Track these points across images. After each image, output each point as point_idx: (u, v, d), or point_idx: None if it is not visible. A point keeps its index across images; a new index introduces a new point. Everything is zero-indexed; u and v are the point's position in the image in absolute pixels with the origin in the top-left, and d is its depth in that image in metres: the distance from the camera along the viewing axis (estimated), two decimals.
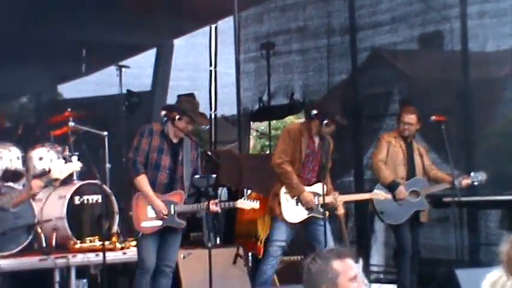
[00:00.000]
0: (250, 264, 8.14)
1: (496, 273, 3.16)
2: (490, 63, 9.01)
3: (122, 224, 8.10)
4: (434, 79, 9.29)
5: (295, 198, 7.16)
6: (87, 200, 8.11)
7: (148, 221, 6.59)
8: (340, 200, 7.23)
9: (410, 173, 7.90)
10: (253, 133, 13.18)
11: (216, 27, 11.96)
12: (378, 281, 9.24)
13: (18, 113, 12.54)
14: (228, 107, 11.95)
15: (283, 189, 7.17)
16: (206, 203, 6.71)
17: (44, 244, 7.72)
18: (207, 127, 11.54)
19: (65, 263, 7.26)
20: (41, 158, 8.19)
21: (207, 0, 10.32)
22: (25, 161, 8.12)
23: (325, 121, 7.07)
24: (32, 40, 9.86)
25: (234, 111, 11.76)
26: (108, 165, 8.70)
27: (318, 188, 7.14)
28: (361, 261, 6.38)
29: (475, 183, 7.79)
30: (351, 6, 10.18)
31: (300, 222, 7.21)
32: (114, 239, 7.80)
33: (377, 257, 9.67)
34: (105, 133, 8.79)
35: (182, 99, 6.79)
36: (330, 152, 7.33)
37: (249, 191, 8.77)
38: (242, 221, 8.60)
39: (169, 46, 11.93)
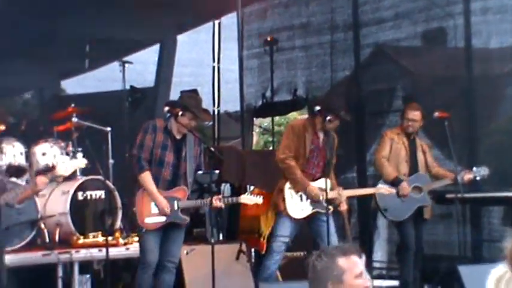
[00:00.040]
0: (253, 260, 8.15)
1: (501, 269, 3.15)
2: (494, 59, 8.99)
3: (125, 219, 8.11)
4: (438, 75, 9.29)
5: (300, 193, 7.15)
6: (90, 195, 8.12)
7: (152, 217, 6.60)
8: (344, 195, 7.23)
9: (413, 169, 7.90)
10: (256, 129, 13.17)
11: (219, 23, 11.96)
12: (380, 277, 9.24)
13: (22, 109, 12.55)
14: (231, 103, 11.95)
15: (287, 185, 7.17)
16: (209, 198, 6.72)
17: (47, 239, 7.73)
18: (210, 123, 11.55)
19: (68, 258, 7.27)
20: (44, 154, 8.20)
21: None
22: (28, 156, 8.13)
23: (329, 117, 7.07)
24: (35, 36, 9.86)
25: (237, 107, 11.75)
26: (111, 161, 8.71)
27: (322, 183, 7.14)
28: (363, 257, 6.37)
29: (477, 178, 7.79)
30: (354, 2, 10.17)
31: (304, 218, 7.21)
32: (117, 234, 7.81)
33: (380, 253, 9.68)
34: (108, 129, 8.79)
35: (185, 95, 6.80)
36: (335, 148, 7.33)
37: (252, 187, 8.78)
38: (245, 217, 8.61)
39: (172, 42, 11.93)
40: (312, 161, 7.21)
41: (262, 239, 8.25)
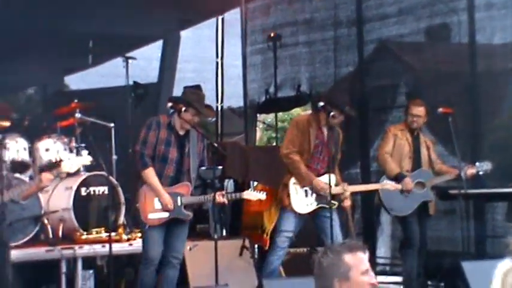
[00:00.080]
0: (256, 256, 8.15)
1: (507, 263, 3.15)
2: (498, 55, 8.97)
3: (128, 215, 8.11)
4: (441, 71, 9.27)
5: (305, 189, 7.15)
6: (94, 191, 8.12)
7: (155, 212, 6.60)
8: (349, 190, 7.23)
9: (416, 165, 7.88)
10: (260, 125, 13.17)
11: (222, 19, 11.95)
12: (383, 273, 9.24)
13: (25, 104, 12.57)
14: (234, 99, 11.95)
15: (292, 180, 7.16)
16: (212, 194, 6.72)
17: (51, 235, 7.74)
18: (214, 119, 11.54)
19: (71, 254, 7.28)
20: (47, 149, 8.21)
21: None
22: (31, 152, 8.13)
23: (332, 113, 7.07)
24: (38, 32, 9.86)
25: (241, 103, 11.76)
26: (114, 157, 8.70)
27: (326, 178, 7.13)
28: (367, 253, 6.37)
29: (480, 173, 7.77)
30: None
31: (309, 214, 7.20)
32: (120, 230, 7.82)
33: (383, 249, 9.68)
34: (112, 124, 8.79)
35: (187, 91, 6.79)
36: (340, 143, 7.32)
37: (255, 183, 8.78)
38: (248, 213, 8.61)
39: (176, 38, 11.93)
40: (316, 156, 7.21)
41: (265, 235, 8.26)
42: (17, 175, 7.53)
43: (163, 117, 6.79)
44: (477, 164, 7.78)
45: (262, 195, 6.89)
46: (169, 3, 9.94)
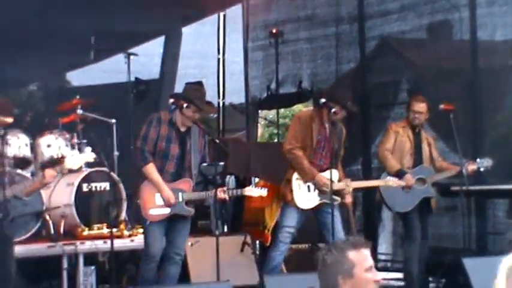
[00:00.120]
0: (257, 252, 8.16)
1: None
2: (499, 52, 8.97)
3: (130, 211, 8.12)
4: (443, 68, 9.26)
5: (307, 184, 7.14)
6: (95, 187, 8.13)
7: (156, 208, 6.61)
8: (352, 186, 7.22)
9: (418, 162, 7.87)
10: (261, 121, 13.17)
11: (224, 15, 11.95)
12: (385, 269, 9.25)
13: (27, 100, 12.57)
14: (236, 95, 11.95)
15: (295, 175, 7.16)
16: (214, 190, 6.73)
17: (52, 231, 7.75)
18: (215, 115, 11.55)
19: (73, 250, 7.29)
20: (49, 145, 8.22)
21: None
22: (33, 148, 8.14)
23: (334, 109, 7.07)
24: (40, 28, 9.86)
25: (242, 100, 11.76)
26: (116, 153, 8.72)
27: (329, 174, 7.13)
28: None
29: (481, 169, 7.77)
30: None
31: (311, 209, 7.20)
32: (121, 226, 7.83)
33: (384, 246, 9.69)
34: (113, 121, 8.81)
35: (188, 88, 6.79)
36: (343, 139, 7.32)
37: (256, 179, 8.78)
38: (250, 209, 8.62)
39: (177, 34, 11.92)
40: (319, 152, 7.20)
41: (266, 231, 8.27)
42: (19, 171, 7.54)
43: (164, 114, 6.79)
44: (478, 160, 7.78)
45: (264, 192, 6.90)
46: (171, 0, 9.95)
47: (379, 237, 9.67)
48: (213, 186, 6.89)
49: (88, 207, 8.06)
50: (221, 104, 11.82)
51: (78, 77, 12.01)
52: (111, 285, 7.23)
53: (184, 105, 6.59)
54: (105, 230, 7.67)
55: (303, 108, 12.32)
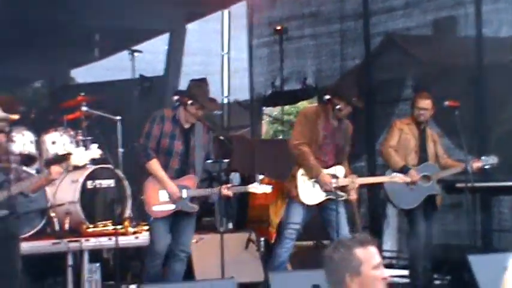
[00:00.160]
0: (262, 249, 8.16)
1: None
2: (504, 48, 8.94)
3: (135, 208, 8.12)
4: (448, 64, 9.24)
5: (312, 180, 7.13)
6: (100, 184, 8.14)
7: (160, 205, 6.60)
8: (357, 182, 7.21)
9: (422, 160, 7.85)
10: (266, 118, 13.17)
11: (229, 12, 11.95)
12: (390, 266, 9.23)
13: (32, 98, 12.58)
14: (240, 92, 11.95)
15: (300, 171, 7.14)
16: (218, 187, 6.72)
17: (57, 228, 7.75)
18: (220, 112, 11.55)
19: (77, 246, 7.30)
20: (53, 142, 8.23)
21: None
22: (38, 145, 8.15)
23: (338, 106, 7.05)
24: (45, 25, 9.87)
25: (247, 96, 11.76)
26: (120, 150, 8.73)
27: (334, 170, 7.12)
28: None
29: (486, 167, 7.75)
30: None
31: (316, 205, 7.18)
32: (126, 223, 7.83)
33: (389, 243, 9.67)
34: (118, 118, 8.81)
35: (192, 85, 6.79)
36: (349, 135, 7.31)
37: (261, 176, 8.78)
38: (254, 206, 8.62)
39: (182, 31, 11.93)
40: (324, 148, 7.19)
41: (271, 228, 8.27)
42: (24, 168, 7.54)
43: (167, 111, 6.79)
44: (483, 158, 7.76)
45: (268, 188, 6.89)
46: None
47: (384, 234, 9.65)
48: (217, 183, 6.89)
49: (93, 204, 8.07)
50: (226, 101, 11.82)
51: (82, 74, 12.03)
52: (116, 282, 7.24)
53: (189, 102, 6.59)
54: (110, 227, 7.68)
55: (307, 105, 12.32)
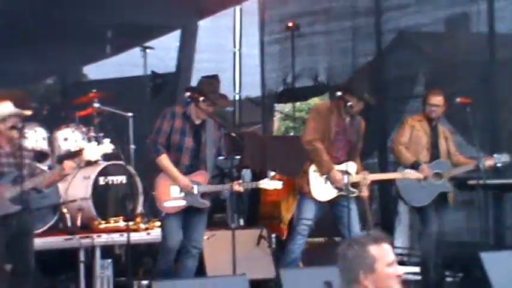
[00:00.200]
0: (273, 245, 8.16)
1: None
2: None
3: (146, 204, 8.14)
4: (460, 61, 9.21)
5: (324, 176, 7.12)
6: (112, 180, 8.16)
7: (171, 200, 6.62)
8: (369, 178, 7.20)
9: (434, 157, 7.82)
10: (277, 115, 13.16)
11: (240, 9, 11.94)
12: (401, 263, 9.17)
13: (44, 94, 12.60)
14: (252, 89, 11.95)
15: (312, 167, 7.14)
16: (229, 183, 6.73)
17: (69, 224, 7.78)
18: (231, 109, 11.55)
19: (89, 242, 7.31)
20: (65, 139, 8.24)
21: None
22: (50, 141, 8.17)
23: (349, 103, 7.04)
24: (57, 22, 9.89)
25: (258, 93, 11.76)
26: (132, 146, 8.74)
27: (346, 166, 7.11)
28: None
29: (498, 165, 7.72)
30: None
31: (328, 202, 7.18)
32: (138, 219, 7.85)
33: (401, 240, 9.65)
34: (130, 114, 8.82)
35: (202, 81, 6.80)
36: (361, 132, 7.30)
37: (272, 173, 8.78)
38: (266, 203, 8.62)
39: (193, 27, 11.92)
40: (336, 144, 7.18)
41: (282, 225, 8.27)
42: (37, 164, 7.57)
43: (178, 108, 6.80)
44: (495, 155, 7.73)
45: (279, 185, 6.89)
46: None
47: (396, 231, 9.63)
48: (229, 180, 6.89)
49: (105, 200, 8.09)
50: (237, 98, 11.82)
51: (94, 71, 12.04)
52: (128, 278, 7.26)
53: (201, 99, 6.59)
54: (122, 223, 7.69)
55: (319, 102, 12.31)
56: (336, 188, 7.10)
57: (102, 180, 8.08)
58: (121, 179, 8.17)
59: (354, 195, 7.10)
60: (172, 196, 6.62)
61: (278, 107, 12.61)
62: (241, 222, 8.74)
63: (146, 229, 7.78)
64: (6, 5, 9.01)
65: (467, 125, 7.60)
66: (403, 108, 9.83)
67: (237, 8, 11.89)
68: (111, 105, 8.76)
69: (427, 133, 7.81)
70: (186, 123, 6.68)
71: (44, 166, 7.72)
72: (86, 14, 9.84)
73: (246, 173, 9.12)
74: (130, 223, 7.43)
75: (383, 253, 3.36)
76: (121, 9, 9.89)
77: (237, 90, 11.90)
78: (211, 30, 12.03)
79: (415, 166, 7.61)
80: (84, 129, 8.40)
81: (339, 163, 7.14)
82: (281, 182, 6.93)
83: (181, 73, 11.81)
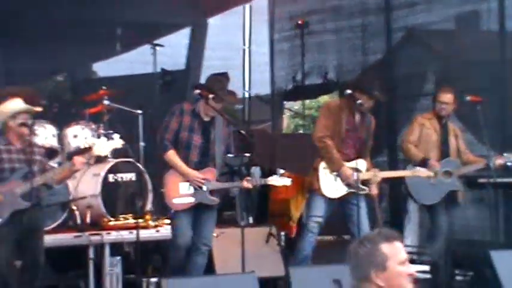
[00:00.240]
0: (283, 243, 8.15)
1: None
2: None
3: (156, 202, 8.14)
4: (470, 59, 9.19)
5: (334, 173, 7.11)
6: (121, 178, 8.15)
7: (180, 197, 6.62)
8: (380, 176, 7.18)
9: (444, 155, 7.80)
10: (287, 112, 13.16)
11: (250, 6, 11.94)
12: (411, 262, 9.13)
13: (54, 91, 12.63)
14: (261, 87, 11.96)
15: (322, 164, 7.13)
16: (239, 181, 6.73)
17: (79, 221, 7.79)
18: (241, 106, 11.55)
19: (99, 240, 7.32)
20: (75, 136, 8.25)
21: None
22: (60, 138, 8.18)
23: (359, 101, 7.03)
24: (67, 19, 9.91)
25: (268, 91, 11.76)
26: (142, 144, 8.75)
27: (357, 164, 7.09)
28: None
29: (508, 164, 7.69)
30: None
31: (338, 199, 7.16)
32: (147, 217, 7.85)
33: (410, 238, 9.62)
34: (139, 111, 8.83)
35: (211, 78, 6.80)
36: (372, 130, 7.29)
37: (281, 171, 8.77)
38: (275, 201, 8.62)
39: (203, 25, 11.93)
40: (346, 142, 7.17)
41: (292, 223, 8.26)
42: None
43: (187, 105, 6.80)
44: (505, 154, 7.70)
45: (287, 181, 6.87)
46: None
47: (405, 230, 9.61)
48: (238, 177, 6.89)
49: (114, 197, 8.09)
50: (247, 96, 11.81)
51: (104, 68, 12.07)
52: (137, 275, 7.27)
53: (210, 96, 6.59)
54: (131, 221, 7.69)
55: (328, 100, 12.30)
56: (346, 184, 7.08)
57: (111, 178, 8.08)
58: (130, 176, 8.17)
59: (364, 192, 7.09)
60: (181, 193, 6.62)
61: (287, 104, 12.59)
62: (251, 220, 8.75)
63: (155, 226, 7.78)
64: (17, 3, 9.03)
65: (478, 123, 7.56)
66: (412, 106, 9.81)
67: (247, 5, 11.90)
68: (121, 102, 8.77)
69: (437, 131, 7.79)
70: (194, 120, 6.68)
71: (53, 163, 7.73)
72: (97, 12, 9.86)
73: (256, 171, 9.12)
74: (140, 220, 7.43)
75: (395, 251, 3.34)
76: (131, 7, 9.91)
77: (247, 88, 11.89)
78: (221, 27, 12.04)
79: (423, 162, 7.60)
80: (93, 127, 8.41)
81: (349, 160, 7.13)
82: (290, 179, 6.92)
83: (191, 70, 11.83)
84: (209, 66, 11.21)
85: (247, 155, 8.70)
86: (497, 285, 6.25)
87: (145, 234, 7.47)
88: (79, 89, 11.35)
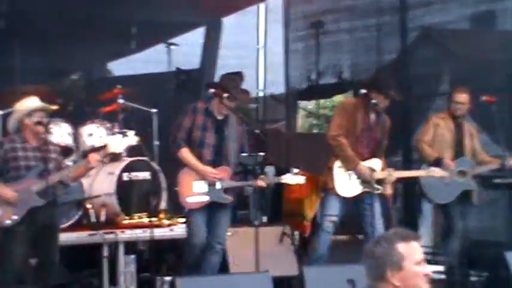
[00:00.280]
0: (296, 243, 8.14)
1: None
2: None
3: (170, 200, 8.15)
4: (486, 59, 9.15)
5: (349, 172, 7.10)
6: (136, 176, 8.17)
7: (194, 196, 6.62)
8: (395, 175, 7.16)
9: (458, 154, 7.78)
10: (301, 112, 13.14)
11: (265, 6, 11.93)
12: (425, 262, 9.16)
13: (69, 90, 12.66)
14: (276, 86, 11.94)
15: (337, 163, 7.12)
16: (253, 180, 6.73)
17: (93, 219, 7.81)
18: (255, 105, 11.55)
19: (113, 238, 7.34)
20: (90, 134, 8.28)
21: None
22: (75, 137, 8.21)
23: (374, 101, 7.02)
24: (82, 18, 9.93)
25: (282, 90, 11.74)
26: (156, 142, 8.76)
27: (371, 163, 7.08)
28: None
29: None
30: None
31: (353, 198, 7.15)
32: (161, 215, 7.87)
33: (425, 238, 9.59)
34: (154, 110, 8.84)
35: (224, 77, 6.82)
36: (387, 129, 7.27)
37: (296, 170, 8.76)
38: (289, 200, 8.61)
39: (218, 24, 11.93)
40: (361, 141, 7.16)
41: (306, 222, 8.25)
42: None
43: (200, 103, 6.81)
44: None
45: (301, 179, 6.87)
46: None
47: (419, 230, 9.59)
48: (252, 176, 6.89)
49: (128, 196, 8.10)
50: (261, 95, 11.81)
51: (119, 67, 12.08)
52: (151, 274, 7.29)
53: (225, 95, 6.60)
54: (145, 219, 7.71)
55: (343, 99, 12.28)
56: (361, 183, 7.07)
57: (126, 176, 8.09)
58: (145, 175, 8.19)
59: (378, 191, 7.07)
60: (195, 191, 6.63)
61: (302, 104, 12.58)
62: (264, 219, 8.74)
63: (169, 225, 7.80)
64: (33, 3, 9.07)
65: (493, 123, 7.53)
66: (427, 106, 9.78)
67: (261, 5, 11.88)
68: (136, 101, 8.79)
69: (451, 131, 7.76)
70: (208, 119, 6.68)
71: (68, 161, 7.75)
72: (112, 10, 9.87)
73: (270, 170, 9.11)
74: (154, 219, 7.45)
75: (411, 251, 3.32)
76: (146, 5, 9.92)
77: (261, 87, 11.88)
78: (236, 27, 12.03)
79: (438, 162, 7.57)
80: (108, 125, 8.43)
81: (363, 160, 7.12)
82: (304, 177, 6.91)
83: (206, 69, 11.82)
84: (224, 66, 11.20)
85: (262, 154, 8.70)
86: None
87: (159, 232, 7.49)
88: (94, 88, 11.36)
